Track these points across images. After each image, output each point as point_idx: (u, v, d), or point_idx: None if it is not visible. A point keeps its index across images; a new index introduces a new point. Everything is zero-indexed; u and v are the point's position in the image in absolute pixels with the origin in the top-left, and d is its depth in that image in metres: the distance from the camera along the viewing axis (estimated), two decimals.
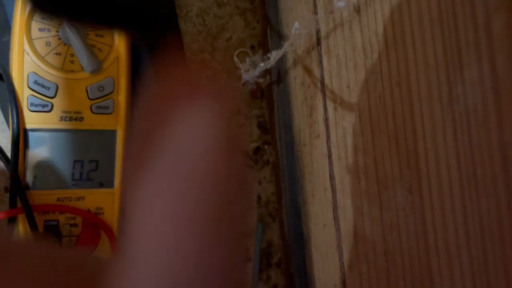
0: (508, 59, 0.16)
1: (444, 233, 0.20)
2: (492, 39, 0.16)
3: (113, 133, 0.37)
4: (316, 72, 0.34)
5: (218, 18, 0.49)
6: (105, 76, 0.37)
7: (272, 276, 0.48)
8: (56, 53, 0.36)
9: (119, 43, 0.37)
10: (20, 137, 0.35)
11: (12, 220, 0.36)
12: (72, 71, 0.36)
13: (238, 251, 0.15)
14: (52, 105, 0.36)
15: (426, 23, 0.20)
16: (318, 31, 0.33)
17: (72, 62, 0.36)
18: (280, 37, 0.44)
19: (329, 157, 0.32)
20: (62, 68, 0.36)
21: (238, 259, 0.15)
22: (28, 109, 0.35)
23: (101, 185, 0.37)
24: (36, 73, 0.35)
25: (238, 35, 0.49)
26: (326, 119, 0.33)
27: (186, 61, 0.16)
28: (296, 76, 0.40)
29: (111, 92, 0.37)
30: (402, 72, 0.22)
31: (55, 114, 0.36)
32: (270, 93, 0.49)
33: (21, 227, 0.35)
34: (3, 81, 0.36)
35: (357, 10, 0.26)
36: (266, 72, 0.45)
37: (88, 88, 0.36)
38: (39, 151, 0.36)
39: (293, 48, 0.36)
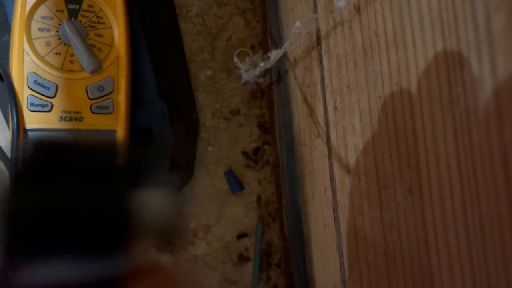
0: (508, 59, 0.16)
1: (444, 233, 0.20)
2: (492, 39, 0.16)
3: (113, 133, 0.37)
4: (316, 72, 0.34)
5: (218, 18, 0.49)
6: (105, 76, 0.37)
7: (272, 276, 0.48)
8: (56, 53, 0.36)
9: (119, 43, 0.37)
10: (20, 137, 0.35)
11: None
12: (72, 71, 0.36)
13: None
14: (52, 105, 0.36)
15: (426, 23, 0.20)
16: (318, 31, 0.33)
17: (72, 62, 0.36)
18: (280, 37, 0.44)
19: (329, 157, 0.32)
20: (62, 68, 0.36)
21: None
22: (28, 109, 0.35)
23: None
24: (36, 73, 0.35)
25: (238, 35, 0.49)
26: (326, 119, 0.33)
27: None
28: (296, 76, 0.40)
29: (111, 92, 0.37)
30: (402, 72, 0.22)
31: (55, 114, 0.36)
32: (270, 93, 0.49)
33: None
34: (3, 81, 0.36)
35: (357, 9, 0.26)
36: (266, 72, 0.45)
37: (88, 88, 0.36)
38: None
39: (293, 48, 0.36)
